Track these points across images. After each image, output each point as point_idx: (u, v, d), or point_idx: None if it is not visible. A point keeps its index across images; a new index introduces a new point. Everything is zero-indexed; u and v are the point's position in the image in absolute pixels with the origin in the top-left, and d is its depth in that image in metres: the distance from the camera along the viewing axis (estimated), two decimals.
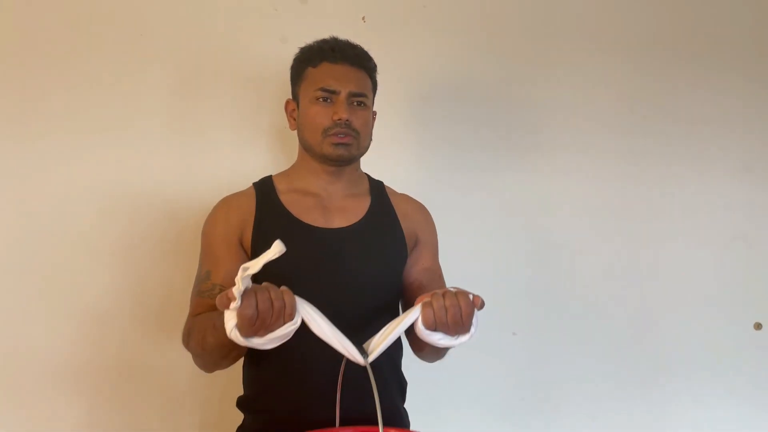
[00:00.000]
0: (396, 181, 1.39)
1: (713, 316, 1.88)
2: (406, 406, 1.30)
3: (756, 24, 1.90)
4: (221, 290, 1.14)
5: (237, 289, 0.88)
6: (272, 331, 0.92)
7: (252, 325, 0.90)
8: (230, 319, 0.90)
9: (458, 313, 0.96)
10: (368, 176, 1.34)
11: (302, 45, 1.27)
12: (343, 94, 1.20)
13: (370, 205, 1.27)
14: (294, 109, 1.27)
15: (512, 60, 1.78)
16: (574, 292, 1.82)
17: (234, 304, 0.88)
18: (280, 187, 1.27)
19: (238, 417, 1.24)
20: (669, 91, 1.87)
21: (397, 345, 1.27)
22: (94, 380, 1.54)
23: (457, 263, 1.65)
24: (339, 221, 1.23)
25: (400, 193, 1.36)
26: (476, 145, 1.77)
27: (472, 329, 0.99)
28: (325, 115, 1.20)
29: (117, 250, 1.56)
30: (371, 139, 1.31)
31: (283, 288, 0.93)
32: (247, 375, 1.24)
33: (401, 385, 1.30)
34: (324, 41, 1.25)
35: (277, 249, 0.88)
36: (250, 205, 1.23)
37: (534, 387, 1.79)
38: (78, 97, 1.54)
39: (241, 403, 1.24)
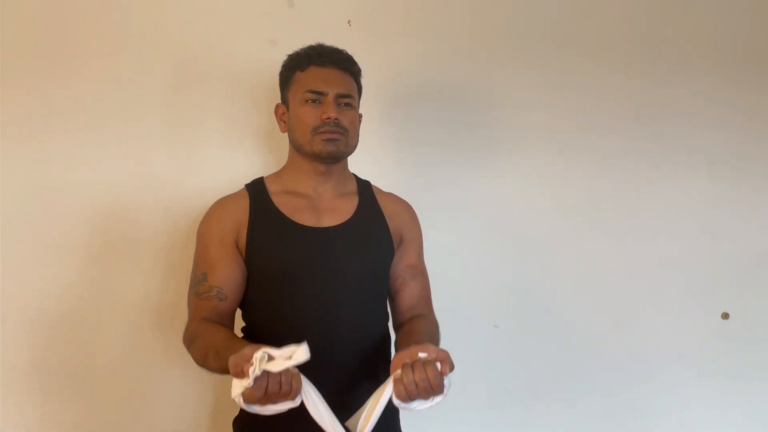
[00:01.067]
0: (380, 180, 1.45)
1: (684, 307, 1.97)
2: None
3: (721, 27, 1.97)
4: (218, 292, 1.21)
5: (252, 370, 0.94)
6: (274, 404, 0.99)
7: (257, 400, 0.97)
8: (238, 387, 0.96)
9: (428, 385, 1.02)
10: (356, 176, 1.40)
11: (291, 47, 1.33)
12: (331, 95, 1.26)
13: (358, 205, 1.33)
14: (284, 113, 1.32)
15: (492, 63, 1.84)
16: (553, 285, 1.89)
17: (246, 383, 0.94)
18: (272, 188, 1.32)
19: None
20: (638, 92, 1.93)
21: (387, 328, 1.33)
22: (89, 381, 1.58)
23: (441, 259, 1.71)
24: (329, 220, 1.29)
25: (387, 193, 1.42)
26: (458, 145, 1.83)
27: (445, 390, 1.05)
28: (314, 116, 1.25)
29: (109, 250, 1.59)
30: (358, 139, 1.37)
31: (294, 372, 0.98)
32: None
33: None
34: (311, 47, 1.31)
35: (303, 357, 0.95)
36: (244, 207, 1.28)
37: (515, 377, 1.86)
38: (72, 98, 1.57)
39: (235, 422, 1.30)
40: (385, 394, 1.05)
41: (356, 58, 1.34)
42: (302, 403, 1.01)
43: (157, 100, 1.61)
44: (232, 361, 0.96)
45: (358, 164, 1.50)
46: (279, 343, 1.04)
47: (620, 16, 1.91)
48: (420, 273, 1.37)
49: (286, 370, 0.97)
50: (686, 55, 1.94)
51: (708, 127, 1.95)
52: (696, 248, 1.98)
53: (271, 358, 0.96)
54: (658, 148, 1.94)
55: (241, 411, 1.27)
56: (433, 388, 1.02)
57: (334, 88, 1.27)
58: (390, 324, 1.38)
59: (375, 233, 1.32)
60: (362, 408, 1.06)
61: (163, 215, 1.57)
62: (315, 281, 1.23)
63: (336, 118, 1.25)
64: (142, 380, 1.61)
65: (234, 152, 1.63)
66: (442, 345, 1.43)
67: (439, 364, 1.03)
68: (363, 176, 1.43)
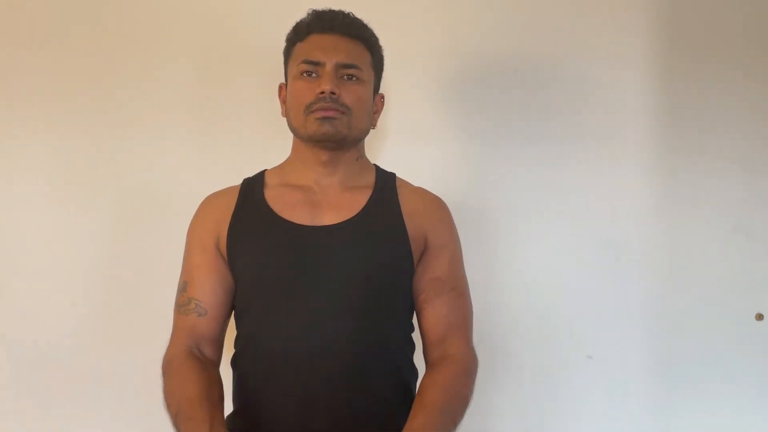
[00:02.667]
0: (439, 179, 1.31)
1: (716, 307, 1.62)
2: None
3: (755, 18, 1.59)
4: (196, 305, 1.07)
5: None
6: None
7: None
8: None
9: None
10: (377, 167, 1.16)
11: None
12: (329, 66, 1.04)
13: (369, 200, 1.08)
14: (285, 94, 1.12)
15: (581, 34, 1.54)
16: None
17: None
18: (270, 181, 1.12)
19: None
20: (671, 86, 1.58)
21: (402, 341, 1.10)
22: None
23: (517, 275, 1.54)
24: (329, 218, 1.06)
25: (415, 187, 1.16)
26: (537, 136, 1.54)
27: None
28: (308, 91, 1.04)
29: (138, 245, 1.52)
30: (374, 125, 1.13)
31: None
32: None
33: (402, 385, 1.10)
34: (314, 11, 1.10)
35: None
36: (230, 203, 1.10)
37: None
38: (102, 92, 1.53)
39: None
40: None
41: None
42: None
43: (189, 92, 1.53)
44: None
45: (408, 160, 1.32)
46: (266, 364, 1.01)
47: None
48: (450, 289, 1.08)
49: None
50: (725, 52, 1.61)
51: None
52: (729, 246, 1.62)
53: None
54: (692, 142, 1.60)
55: (236, 410, 1.09)
56: None
57: (333, 57, 1.04)
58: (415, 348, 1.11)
59: (383, 234, 1.06)
60: None
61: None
62: (302, 290, 1.01)
63: (332, 92, 1.02)
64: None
65: (264, 142, 1.46)
66: (527, 378, 1.52)
67: None
68: (415, 174, 1.19)
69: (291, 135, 1.14)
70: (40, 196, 1.52)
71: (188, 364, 1.02)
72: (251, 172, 1.21)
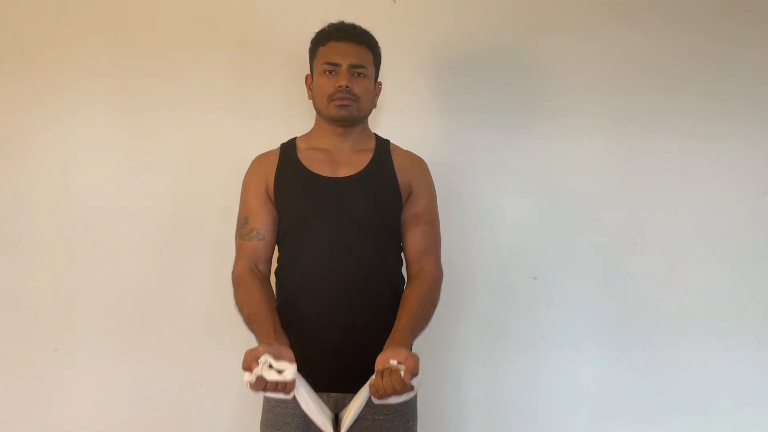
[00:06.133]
0: (425, 143, 1.69)
1: (742, 272, 1.95)
2: None
3: None
4: (257, 233, 1.51)
5: (255, 371, 1.21)
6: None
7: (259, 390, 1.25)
8: (246, 376, 1.23)
9: (393, 390, 1.25)
10: (376, 136, 1.61)
11: None
12: (345, 66, 1.47)
13: (372, 159, 1.54)
14: (311, 83, 1.56)
15: (531, 31, 1.95)
16: (593, 242, 1.96)
17: (248, 377, 1.22)
18: (301, 146, 1.57)
19: None
20: (696, 51, 1.94)
21: (395, 259, 1.55)
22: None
23: (483, 215, 1.95)
24: (344, 171, 1.51)
25: (403, 150, 1.61)
26: (500, 109, 1.96)
27: (415, 388, 1.28)
28: (330, 85, 1.48)
29: (196, 197, 1.92)
30: (375, 105, 1.57)
31: (288, 380, 1.23)
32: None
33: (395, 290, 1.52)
34: (331, 24, 1.54)
35: (290, 377, 1.22)
36: (274, 161, 1.55)
37: (551, 325, 1.96)
38: (153, 79, 1.92)
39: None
40: (364, 394, 1.31)
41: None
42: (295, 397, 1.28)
43: (225, 77, 1.93)
44: (245, 357, 1.23)
45: (401, 128, 1.72)
46: (301, 275, 1.44)
47: None
48: (425, 222, 1.54)
49: (281, 382, 1.23)
50: (751, 18, 1.92)
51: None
52: (760, 209, 1.93)
53: (271, 365, 1.22)
54: (713, 106, 1.93)
55: (278, 306, 1.50)
56: (398, 390, 1.25)
57: (347, 60, 1.48)
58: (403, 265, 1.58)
59: (383, 183, 1.52)
60: (350, 403, 1.34)
61: (235, 178, 1.83)
62: (329, 222, 1.47)
63: (347, 86, 1.46)
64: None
65: (291, 119, 1.87)
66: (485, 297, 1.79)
67: (403, 373, 1.25)
68: (407, 140, 1.63)
69: (308, 109, 1.57)
70: (120, 161, 1.92)
71: (252, 278, 1.46)
72: (278, 138, 1.64)
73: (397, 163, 1.55)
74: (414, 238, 1.53)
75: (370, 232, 1.49)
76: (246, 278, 1.47)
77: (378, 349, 1.33)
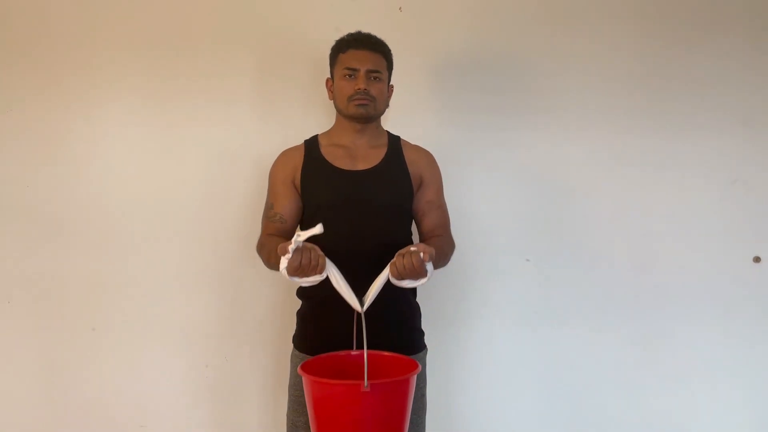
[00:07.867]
0: (431, 139, 1.86)
1: (716, 250, 2.17)
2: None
3: None
4: (280, 217, 1.70)
5: (291, 247, 1.38)
6: (307, 276, 1.44)
7: (295, 271, 1.42)
8: (283, 262, 1.42)
9: (411, 268, 1.43)
10: (388, 132, 1.80)
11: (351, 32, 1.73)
12: (363, 71, 1.67)
13: (386, 154, 1.73)
14: (331, 85, 1.75)
15: (525, 40, 2.17)
16: (585, 227, 2.17)
17: (287, 256, 1.38)
18: (323, 142, 1.76)
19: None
20: (671, 53, 2.15)
21: (406, 240, 1.72)
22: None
23: (480, 204, 2.14)
24: (362, 165, 1.71)
25: (413, 145, 1.80)
26: (499, 109, 2.16)
27: (428, 273, 1.46)
28: (350, 87, 1.67)
29: (220, 186, 2.11)
30: (388, 105, 1.77)
31: (320, 253, 1.42)
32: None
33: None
34: (350, 34, 1.72)
35: (318, 229, 1.37)
36: (300, 156, 1.74)
37: (545, 301, 2.18)
38: (175, 87, 2.10)
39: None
40: (384, 274, 1.47)
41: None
42: (328, 279, 1.45)
43: (246, 82, 2.11)
44: (279, 246, 1.42)
45: (409, 126, 1.90)
46: (324, 254, 1.54)
47: None
48: (437, 207, 1.75)
49: (315, 253, 1.41)
50: (722, 19, 2.14)
51: (741, 85, 2.14)
52: (730, 196, 2.16)
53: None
54: (692, 105, 2.15)
55: (302, 305, 1.75)
56: (416, 270, 1.43)
57: (365, 65, 1.67)
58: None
59: (397, 175, 1.72)
60: (373, 283, 1.49)
61: (259, 172, 1.98)
62: (350, 209, 1.66)
63: (365, 89, 1.66)
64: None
65: (309, 119, 2.07)
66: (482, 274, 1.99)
67: (422, 254, 1.42)
68: (412, 135, 1.82)
69: (326, 108, 1.77)
70: (152, 155, 2.11)
71: (273, 237, 1.65)
72: (299, 134, 1.83)
73: (408, 156, 1.75)
74: (429, 221, 1.73)
75: (385, 217, 1.68)
76: (267, 239, 1.68)
77: (392, 318, 1.52)
